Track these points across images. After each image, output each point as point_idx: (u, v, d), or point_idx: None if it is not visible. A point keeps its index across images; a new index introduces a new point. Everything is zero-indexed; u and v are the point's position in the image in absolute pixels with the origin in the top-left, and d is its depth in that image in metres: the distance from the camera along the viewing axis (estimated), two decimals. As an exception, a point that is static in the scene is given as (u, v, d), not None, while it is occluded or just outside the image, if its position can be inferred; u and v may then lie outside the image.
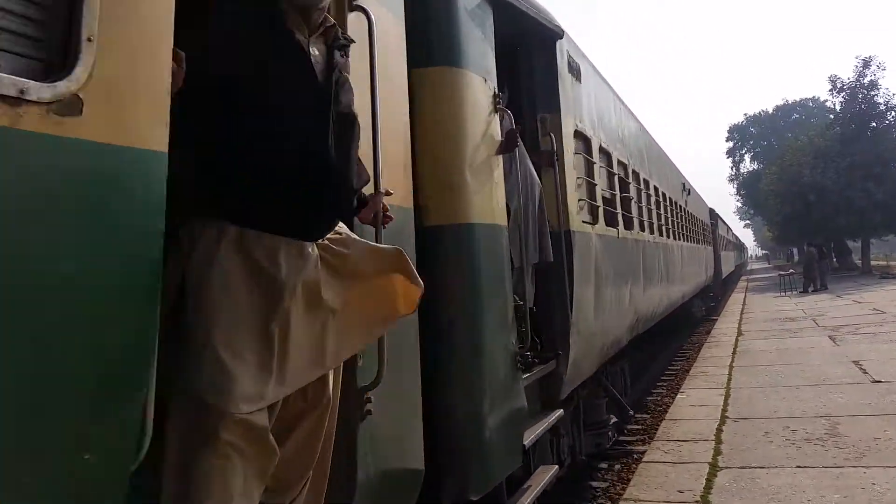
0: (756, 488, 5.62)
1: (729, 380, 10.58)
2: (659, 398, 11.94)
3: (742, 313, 22.53)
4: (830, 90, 43.35)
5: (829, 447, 6.60)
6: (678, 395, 10.03)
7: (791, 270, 32.48)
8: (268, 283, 2.16)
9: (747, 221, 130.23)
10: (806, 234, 42.76)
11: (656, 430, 8.29)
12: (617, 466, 8.09)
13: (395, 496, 3.03)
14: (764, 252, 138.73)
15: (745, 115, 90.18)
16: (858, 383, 9.43)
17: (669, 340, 17.80)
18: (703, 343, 16.39)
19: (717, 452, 6.73)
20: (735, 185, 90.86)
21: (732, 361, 12.39)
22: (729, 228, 47.32)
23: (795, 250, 59.73)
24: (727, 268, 38.52)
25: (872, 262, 46.39)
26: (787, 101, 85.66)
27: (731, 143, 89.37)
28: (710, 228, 27.82)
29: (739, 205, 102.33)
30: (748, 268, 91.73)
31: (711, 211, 30.01)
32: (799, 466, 6.08)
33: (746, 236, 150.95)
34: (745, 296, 31.63)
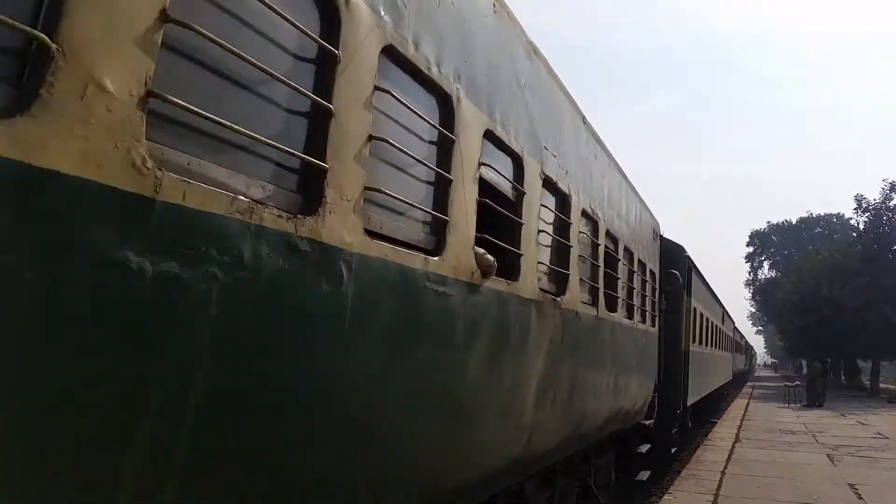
0: None
1: (719, 487, 10.30)
2: (650, 499, 11.62)
3: (742, 419, 22.09)
4: (855, 209, 43.55)
5: (812, 571, 6.35)
6: (664, 497, 9.76)
7: (797, 382, 31.92)
8: None
9: (759, 328, 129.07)
10: (818, 347, 42.27)
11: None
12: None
13: None
14: (773, 360, 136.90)
15: (769, 222, 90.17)
16: (852, 508, 9.15)
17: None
18: (699, 445, 16.04)
19: (696, 560, 6.49)
20: (751, 291, 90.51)
21: (725, 468, 12.09)
22: (742, 336, 50.05)
23: (804, 362, 58.91)
24: (737, 368, 40.24)
25: (881, 385, 45.63)
26: (811, 214, 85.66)
27: (751, 248, 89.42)
28: (732, 339, 37.13)
29: (753, 310, 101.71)
30: (755, 374, 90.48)
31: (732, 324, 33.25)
32: (778, 587, 5.84)
33: (758, 343, 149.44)
34: (749, 402, 31.08)
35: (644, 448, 11.32)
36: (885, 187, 41.55)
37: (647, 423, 10.81)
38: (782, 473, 11.69)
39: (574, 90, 6.17)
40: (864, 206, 42.44)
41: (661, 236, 12.27)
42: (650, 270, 10.47)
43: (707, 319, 20.56)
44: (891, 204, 41.12)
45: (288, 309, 2.43)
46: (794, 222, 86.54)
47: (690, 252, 18.72)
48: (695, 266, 17.02)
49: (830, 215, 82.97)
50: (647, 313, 10.01)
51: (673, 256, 13.72)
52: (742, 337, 47.58)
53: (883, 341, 38.34)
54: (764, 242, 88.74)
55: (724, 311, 30.38)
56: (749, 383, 56.62)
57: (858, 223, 45.11)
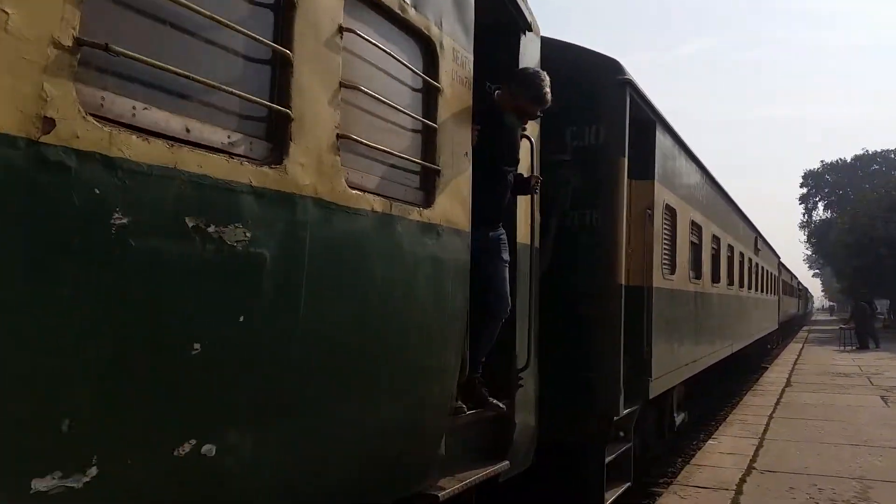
0: (767, 544, 5.42)
1: (765, 430, 10.24)
2: (694, 443, 11.61)
3: (795, 364, 21.77)
4: (913, 142, 41.86)
5: (855, 511, 6.32)
6: (709, 441, 9.76)
7: (852, 325, 31.22)
8: None
9: (816, 270, 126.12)
10: (874, 288, 41.19)
11: (682, 473, 8.07)
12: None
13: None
14: (831, 304, 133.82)
15: (822, 161, 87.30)
16: (901, 448, 9.01)
17: (718, 385, 17.28)
18: (749, 390, 15.90)
19: (736, 503, 6.51)
20: (806, 233, 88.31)
21: (773, 412, 11.99)
22: (793, 276, 44.66)
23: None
24: (787, 314, 37.08)
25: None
26: (867, 151, 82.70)
27: (804, 190, 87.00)
28: (778, 278, 27.88)
29: (809, 253, 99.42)
30: (812, 318, 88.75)
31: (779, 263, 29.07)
32: (818, 528, 5.84)
33: (815, 286, 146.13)
34: (803, 347, 30.60)
35: None
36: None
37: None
38: (832, 416, 11.55)
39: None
40: (921, 139, 40.80)
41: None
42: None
43: (719, 241, 11.90)
44: (951, 136, 39.47)
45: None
46: (848, 160, 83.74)
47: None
48: (668, 126, 8.29)
49: (888, 151, 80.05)
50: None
51: (596, 87, 6.41)
52: (793, 277, 44.53)
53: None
54: (818, 182, 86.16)
55: (759, 238, 20.49)
56: (805, 328, 55.65)
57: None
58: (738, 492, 6.89)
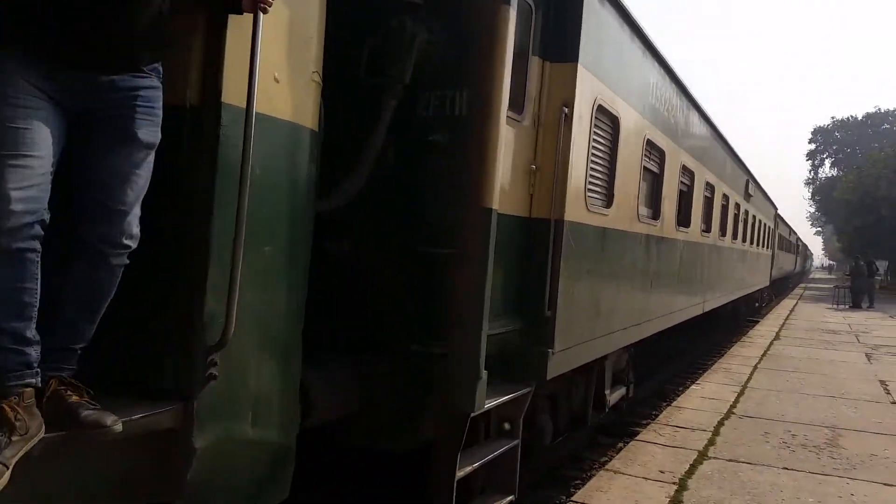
0: (736, 481, 5.78)
1: (748, 379, 10.60)
2: (679, 388, 11.99)
3: (786, 319, 22.17)
4: (925, 104, 41.48)
5: (822, 456, 6.67)
6: (692, 387, 10.13)
7: (849, 284, 31.55)
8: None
9: (818, 228, 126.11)
10: (873, 248, 41.39)
11: (663, 415, 8.44)
12: (619, 444, 8.28)
13: None
14: (831, 262, 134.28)
15: (833, 118, 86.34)
16: (876, 402, 9.37)
17: (708, 335, 17.67)
18: (738, 341, 16.29)
19: (711, 443, 6.87)
20: (810, 190, 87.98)
21: (759, 363, 12.36)
22: (791, 230, 42.89)
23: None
24: (782, 270, 36.22)
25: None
26: (879, 109, 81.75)
27: (812, 146, 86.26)
28: (773, 231, 25.40)
29: (812, 210, 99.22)
30: (810, 276, 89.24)
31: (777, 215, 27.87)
32: (785, 468, 6.19)
33: (816, 244, 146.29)
34: (797, 303, 31.00)
35: None
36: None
37: None
38: (815, 369, 11.91)
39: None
40: (934, 101, 40.44)
41: None
42: None
43: (692, 175, 9.64)
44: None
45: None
46: (859, 118, 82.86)
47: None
48: None
49: (900, 110, 79.12)
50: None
51: None
52: (792, 231, 43.35)
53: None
54: (826, 139, 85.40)
55: (753, 182, 17.53)
56: (801, 285, 56.12)
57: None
58: (715, 433, 7.25)
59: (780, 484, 5.75)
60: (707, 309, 11.95)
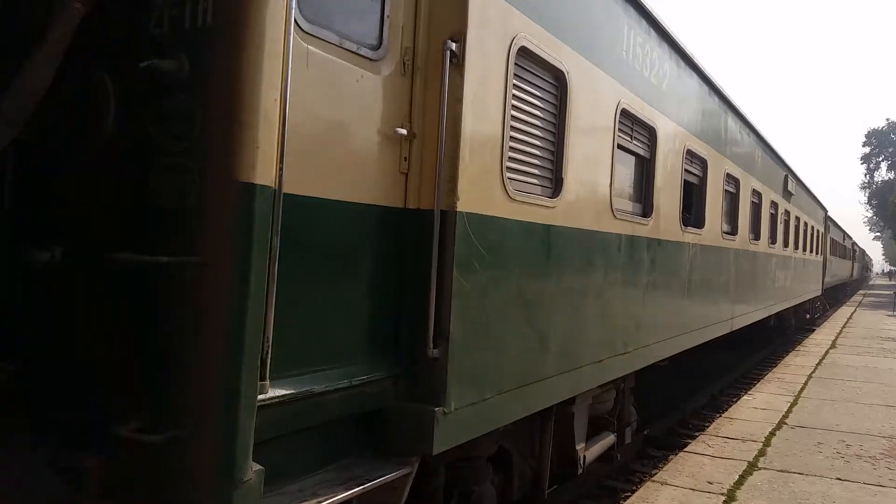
0: (786, 491, 5.70)
1: (802, 389, 10.39)
2: (733, 399, 11.81)
3: (844, 327, 21.60)
4: (985, 102, 40.10)
5: (879, 466, 6.53)
6: (744, 397, 9.97)
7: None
8: None
9: (877, 234, 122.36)
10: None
11: (714, 426, 8.34)
12: (670, 456, 8.21)
13: None
14: (891, 268, 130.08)
15: (888, 119, 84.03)
16: (937, 411, 9.10)
17: (761, 345, 17.34)
18: (792, 350, 15.95)
19: (761, 454, 6.77)
20: (867, 194, 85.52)
21: (813, 372, 12.09)
22: (846, 235, 40.99)
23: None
24: (837, 277, 34.95)
25: None
26: (937, 109, 79.35)
27: (867, 149, 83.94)
28: (823, 236, 23.49)
29: (870, 215, 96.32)
30: (870, 282, 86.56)
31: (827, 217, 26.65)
32: (839, 479, 6.08)
33: (875, 249, 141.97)
34: (855, 310, 30.15)
35: None
36: None
37: None
38: (872, 378, 11.61)
39: None
40: None
41: None
42: None
43: (704, 163, 7.76)
44: None
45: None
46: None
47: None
48: None
49: (959, 110, 76.46)
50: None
51: None
52: (846, 236, 41.11)
53: None
54: (882, 141, 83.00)
55: (792, 177, 15.24)
56: (861, 291, 54.51)
57: None
58: (766, 444, 7.14)
59: (832, 495, 5.65)
60: (737, 327, 9.91)
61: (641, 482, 6.83)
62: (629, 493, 6.31)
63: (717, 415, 10.23)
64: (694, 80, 7.43)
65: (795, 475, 6.14)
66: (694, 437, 7.88)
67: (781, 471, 6.25)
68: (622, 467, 7.86)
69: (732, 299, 9.50)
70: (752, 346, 15.97)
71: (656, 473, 6.44)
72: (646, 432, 9.04)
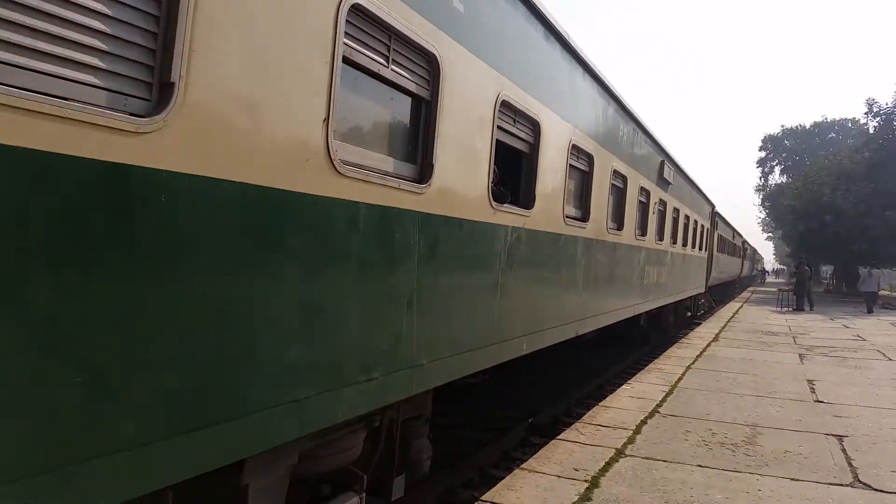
0: (648, 478, 5.84)
1: (679, 379, 10.76)
2: (615, 388, 12.13)
3: (729, 321, 22.60)
4: (866, 113, 42.81)
5: (738, 453, 6.79)
6: (622, 386, 10.24)
7: (792, 288, 32.33)
8: None
9: (769, 234, 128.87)
10: (818, 253, 42.41)
11: (593, 415, 8.50)
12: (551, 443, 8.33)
13: None
14: (781, 267, 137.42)
15: (783, 126, 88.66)
16: (801, 400, 9.57)
17: (649, 338, 17.92)
18: (677, 342, 16.54)
19: (630, 441, 6.94)
20: (761, 196, 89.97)
21: (693, 363, 12.56)
22: (736, 233, 42.39)
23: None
24: (725, 274, 36.19)
25: (882, 292, 45.94)
26: (826, 118, 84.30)
27: (763, 153, 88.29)
28: (709, 232, 23.33)
29: (763, 216, 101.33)
30: (764, 280, 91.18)
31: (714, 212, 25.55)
32: (699, 465, 6.29)
33: (767, 249, 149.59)
34: (742, 306, 31.62)
35: None
36: (898, 91, 40.76)
37: None
38: (747, 370, 12.13)
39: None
40: (874, 110, 41.68)
41: None
42: None
43: (537, 125, 5.99)
44: (903, 108, 40.36)
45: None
46: (808, 126, 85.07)
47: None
48: None
49: (845, 120, 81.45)
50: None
51: None
52: (736, 234, 42.51)
53: (883, 248, 38.43)
54: (777, 146, 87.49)
55: (670, 164, 13.98)
56: (750, 288, 57.36)
57: (869, 128, 44.38)
58: (636, 432, 7.33)
59: (690, 481, 5.83)
60: (583, 331, 8.22)
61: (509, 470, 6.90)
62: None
63: (597, 403, 10.50)
64: (539, 27, 6.09)
65: (659, 462, 6.32)
66: (568, 424, 8.02)
67: (647, 458, 6.42)
68: (504, 455, 7.95)
69: (581, 298, 8.07)
70: (630, 344, 16.40)
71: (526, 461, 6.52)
72: (530, 420, 9.16)
